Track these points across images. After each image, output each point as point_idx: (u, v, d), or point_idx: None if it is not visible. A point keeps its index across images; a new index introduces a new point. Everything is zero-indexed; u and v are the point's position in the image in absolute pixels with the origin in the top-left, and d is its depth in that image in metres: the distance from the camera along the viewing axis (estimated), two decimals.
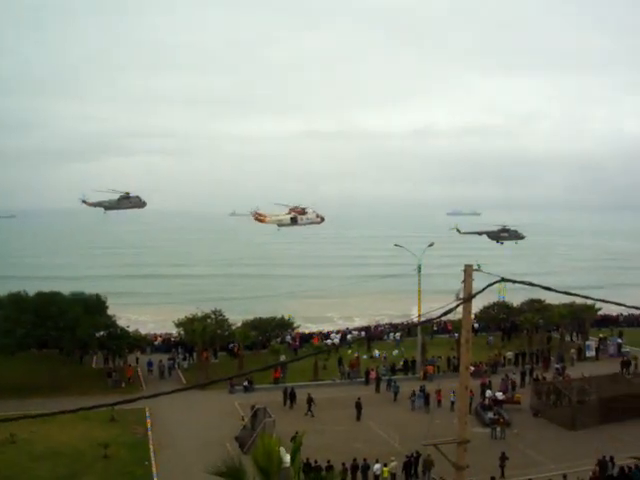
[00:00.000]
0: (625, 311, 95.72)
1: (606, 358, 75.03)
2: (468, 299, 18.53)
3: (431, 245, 71.52)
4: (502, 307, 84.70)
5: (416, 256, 69.82)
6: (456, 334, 74.30)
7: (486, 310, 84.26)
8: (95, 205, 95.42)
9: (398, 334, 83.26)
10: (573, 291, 21.60)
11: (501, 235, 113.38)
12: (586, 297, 23.11)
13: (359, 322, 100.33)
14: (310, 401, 55.34)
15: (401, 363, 70.04)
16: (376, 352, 75.16)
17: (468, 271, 18.83)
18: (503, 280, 19.09)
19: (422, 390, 57.95)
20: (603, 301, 22.38)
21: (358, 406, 54.28)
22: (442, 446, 20.97)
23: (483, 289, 18.84)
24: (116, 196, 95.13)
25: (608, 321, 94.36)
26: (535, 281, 19.83)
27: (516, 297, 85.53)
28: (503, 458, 42.05)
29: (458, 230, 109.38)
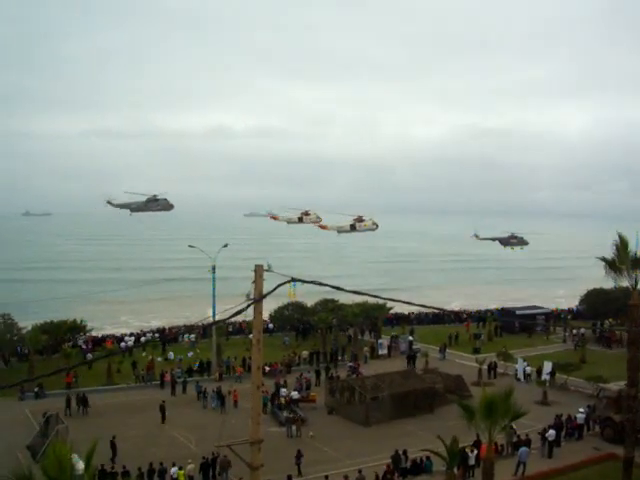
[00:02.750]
0: (416, 309, 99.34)
1: (398, 355, 77.36)
2: (259, 299, 18.58)
3: (225, 246, 71.50)
4: (296, 307, 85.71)
5: (211, 257, 69.64)
6: (250, 334, 74.71)
7: (280, 310, 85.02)
8: (121, 207, 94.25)
9: (193, 335, 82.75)
10: (372, 292, 22.12)
11: (510, 241, 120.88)
12: (376, 296, 23.58)
13: (155, 325, 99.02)
14: (81, 402, 54.91)
15: (196, 365, 69.57)
16: (171, 354, 74.29)
17: (259, 271, 18.88)
18: (293, 280, 19.27)
19: (218, 391, 57.75)
20: (392, 300, 22.93)
21: (162, 409, 53.46)
22: (239, 446, 20.92)
23: (274, 289, 18.93)
24: (143, 198, 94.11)
25: (400, 319, 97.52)
26: (333, 283, 20.12)
27: (310, 298, 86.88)
28: (299, 456, 42.49)
29: (477, 236, 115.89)
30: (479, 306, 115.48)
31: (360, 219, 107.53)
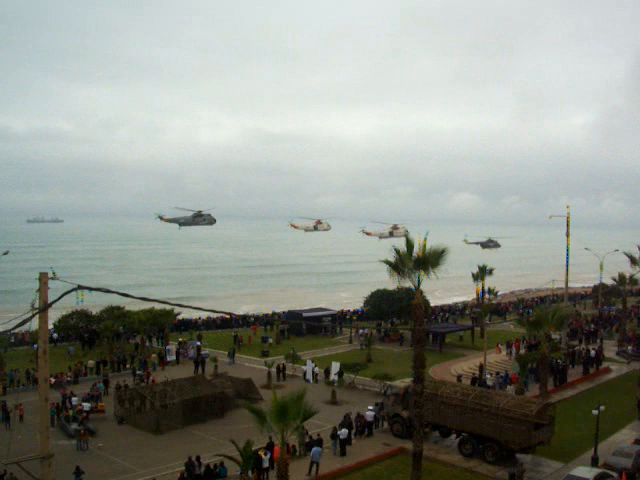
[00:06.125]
0: (204, 314, 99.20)
1: (187, 361, 76.78)
2: (44, 308, 17.91)
3: (6, 253, 68.70)
4: (81, 316, 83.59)
5: None
6: (35, 345, 72.10)
7: (65, 319, 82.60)
8: (171, 221, 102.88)
9: None
10: (160, 299, 21.82)
11: (489, 244, 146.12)
12: (163, 302, 23.33)
13: None
14: None
15: None
16: None
17: (43, 279, 18.22)
18: (80, 288, 18.73)
19: (2, 406, 55.15)
20: (180, 305, 22.81)
21: None
22: (28, 462, 20.15)
23: (60, 297, 18.36)
24: (190, 213, 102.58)
25: (187, 325, 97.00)
26: (121, 291, 19.76)
27: (96, 305, 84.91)
28: (78, 472, 41.03)
29: (466, 241, 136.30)
30: (267, 310, 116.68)
31: (396, 227, 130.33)
